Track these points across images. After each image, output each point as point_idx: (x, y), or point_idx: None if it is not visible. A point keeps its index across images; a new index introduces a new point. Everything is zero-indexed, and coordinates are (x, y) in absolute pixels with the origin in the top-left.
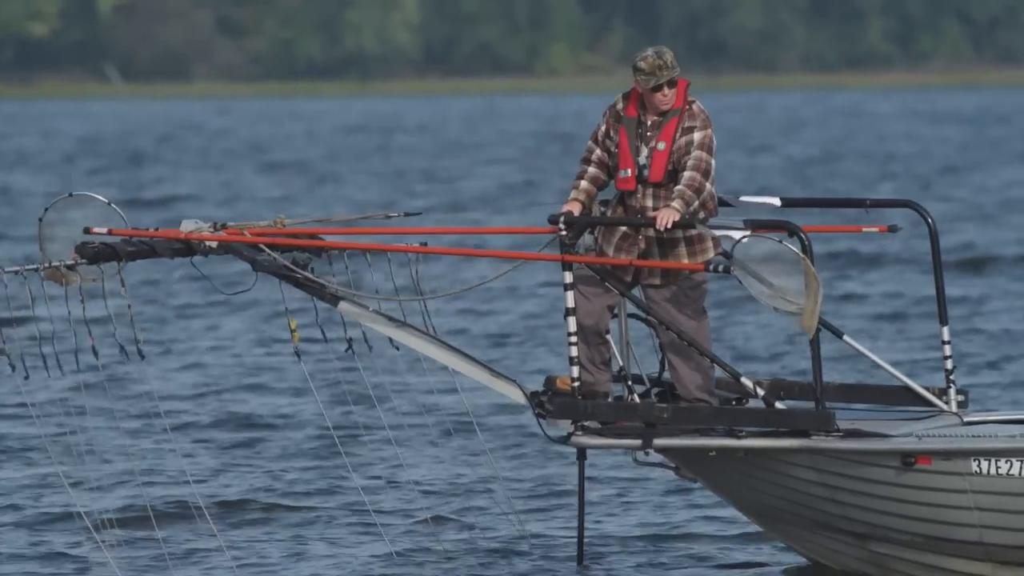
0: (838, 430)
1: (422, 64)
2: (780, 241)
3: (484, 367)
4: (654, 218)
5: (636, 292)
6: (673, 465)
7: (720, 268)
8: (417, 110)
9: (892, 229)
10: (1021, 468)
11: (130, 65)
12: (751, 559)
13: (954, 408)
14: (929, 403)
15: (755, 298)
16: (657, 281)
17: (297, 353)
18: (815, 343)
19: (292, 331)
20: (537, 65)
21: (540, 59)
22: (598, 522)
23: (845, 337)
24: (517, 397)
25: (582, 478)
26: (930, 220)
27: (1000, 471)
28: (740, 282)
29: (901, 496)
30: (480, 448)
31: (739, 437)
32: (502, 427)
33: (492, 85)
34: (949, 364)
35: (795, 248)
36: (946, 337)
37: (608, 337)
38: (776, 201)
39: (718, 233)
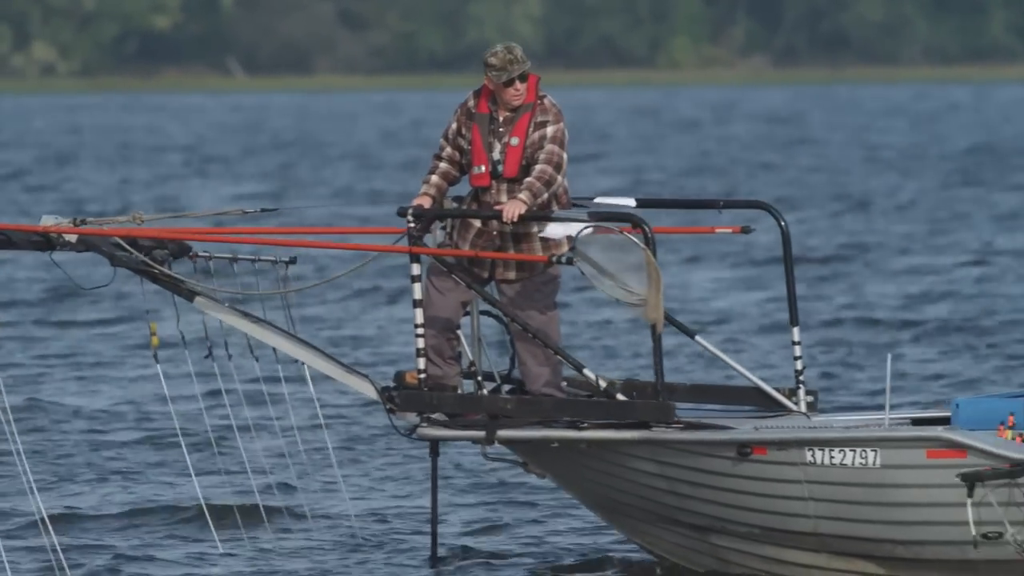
0: (678, 421)
1: (544, 57)
2: (620, 231)
3: (337, 363)
4: (501, 211)
5: (491, 288)
6: (522, 461)
7: (564, 260)
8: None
9: (745, 230)
10: (854, 458)
11: (252, 58)
12: (603, 552)
13: (803, 409)
14: (779, 403)
15: (597, 289)
16: (512, 276)
17: (156, 356)
18: (658, 337)
19: (152, 334)
20: (658, 58)
21: (662, 52)
22: (451, 516)
23: (697, 337)
24: (369, 392)
25: (435, 473)
26: (782, 222)
27: (834, 461)
28: (583, 273)
29: (738, 487)
30: (329, 445)
31: (581, 429)
32: (353, 424)
33: (613, 77)
34: (799, 365)
35: (637, 240)
36: (796, 338)
37: (459, 333)
38: (631, 202)
39: (560, 229)
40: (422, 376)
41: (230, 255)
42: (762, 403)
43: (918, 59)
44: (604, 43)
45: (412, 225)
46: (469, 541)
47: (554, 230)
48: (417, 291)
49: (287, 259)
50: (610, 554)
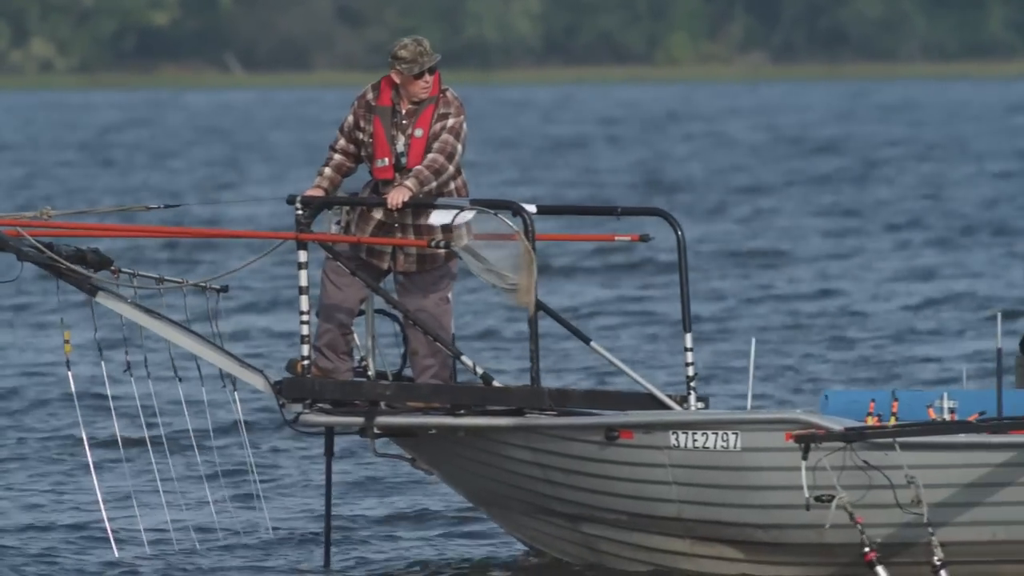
0: (551, 408)
1: (542, 53)
2: (496, 214)
3: (231, 356)
4: (387, 198)
5: (389, 280)
6: (410, 457)
7: (442, 244)
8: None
9: (644, 239)
10: (716, 441)
11: (250, 54)
12: (493, 554)
13: None
14: (670, 409)
15: (474, 274)
16: (413, 268)
17: (68, 363)
18: (533, 322)
19: (65, 341)
20: (657, 54)
21: (660, 48)
22: (346, 512)
23: (592, 343)
24: (261, 386)
25: (329, 473)
26: (679, 231)
27: (696, 444)
28: (460, 257)
29: (606, 472)
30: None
31: (458, 416)
32: (264, 429)
33: (612, 74)
34: (691, 371)
35: (515, 225)
36: (689, 344)
37: (354, 329)
38: (532, 208)
39: (437, 217)
40: (306, 363)
41: (156, 276)
42: (653, 409)
43: (916, 55)
44: (603, 39)
45: (300, 212)
46: (364, 536)
47: (439, 218)
48: (303, 278)
49: (218, 287)
50: (501, 556)
